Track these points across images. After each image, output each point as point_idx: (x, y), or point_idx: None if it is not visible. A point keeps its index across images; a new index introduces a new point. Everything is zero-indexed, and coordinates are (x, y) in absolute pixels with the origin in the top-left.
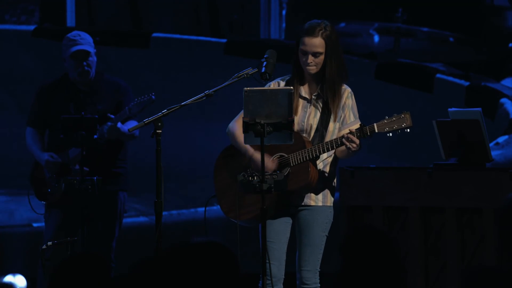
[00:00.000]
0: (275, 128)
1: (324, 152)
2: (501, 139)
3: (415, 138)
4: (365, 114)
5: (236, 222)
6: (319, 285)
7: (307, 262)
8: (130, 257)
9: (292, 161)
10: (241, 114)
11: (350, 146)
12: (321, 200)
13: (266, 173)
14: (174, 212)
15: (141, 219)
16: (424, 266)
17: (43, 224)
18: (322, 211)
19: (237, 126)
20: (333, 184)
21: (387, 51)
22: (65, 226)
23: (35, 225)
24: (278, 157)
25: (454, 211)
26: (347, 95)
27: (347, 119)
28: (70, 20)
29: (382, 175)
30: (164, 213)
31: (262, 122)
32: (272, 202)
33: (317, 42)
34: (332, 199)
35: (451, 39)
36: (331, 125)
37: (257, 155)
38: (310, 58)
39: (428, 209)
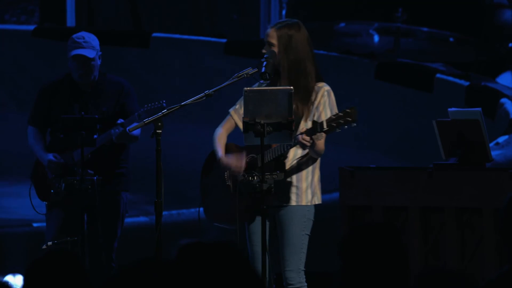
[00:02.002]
0: (275, 128)
1: (283, 151)
2: (501, 139)
3: (415, 138)
4: (365, 114)
5: (229, 225)
6: (306, 284)
7: (288, 262)
8: (129, 257)
9: (259, 162)
10: (228, 118)
11: (305, 144)
12: (295, 199)
13: (254, 174)
14: (174, 212)
15: (141, 219)
16: (424, 266)
17: (43, 224)
18: (298, 210)
19: (220, 130)
20: (313, 182)
21: (387, 51)
22: (67, 226)
23: (35, 225)
24: (250, 158)
25: (454, 211)
26: (323, 93)
27: (323, 117)
28: (70, 20)
29: (382, 175)
30: (164, 213)
31: (262, 122)
32: (244, 204)
33: (270, 32)
34: (311, 197)
35: (451, 39)
36: (302, 123)
37: (224, 159)
38: (265, 49)
39: (428, 209)
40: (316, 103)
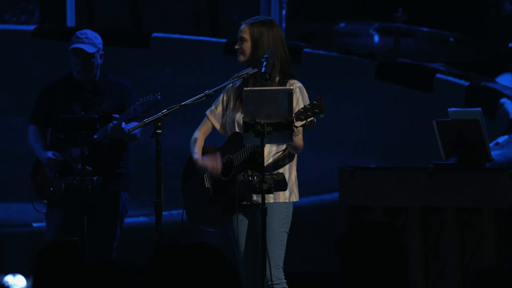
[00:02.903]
0: (275, 128)
1: (255, 148)
2: (501, 139)
3: (415, 138)
4: (365, 114)
5: (210, 227)
6: (285, 280)
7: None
8: (130, 257)
9: (236, 161)
10: (204, 121)
11: None
12: (271, 197)
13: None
14: (174, 212)
15: (141, 219)
16: (424, 266)
17: (43, 224)
18: (275, 207)
19: (197, 133)
20: (291, 179)
21: (387, 51)
22: (66, 226)
23: (35, 225)
24: (226, 159)
25: (454, 211)
26: (295, 90)
27: None
28: (70, 20)
29: (382, 175)
30: (164, 213)
31: (262, 122)
32: (221, 206)
33: (243, 28)
34: (289, 194)
35: (451, 39)
36: None
37: (200, 161)
38: (238, 44)
39: (428, 209)
40: None
